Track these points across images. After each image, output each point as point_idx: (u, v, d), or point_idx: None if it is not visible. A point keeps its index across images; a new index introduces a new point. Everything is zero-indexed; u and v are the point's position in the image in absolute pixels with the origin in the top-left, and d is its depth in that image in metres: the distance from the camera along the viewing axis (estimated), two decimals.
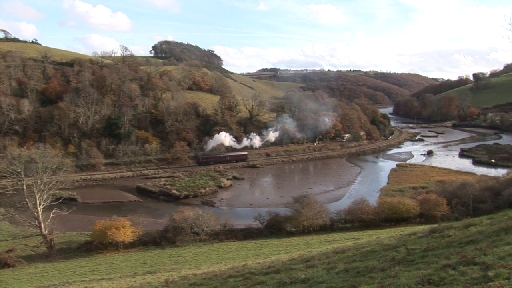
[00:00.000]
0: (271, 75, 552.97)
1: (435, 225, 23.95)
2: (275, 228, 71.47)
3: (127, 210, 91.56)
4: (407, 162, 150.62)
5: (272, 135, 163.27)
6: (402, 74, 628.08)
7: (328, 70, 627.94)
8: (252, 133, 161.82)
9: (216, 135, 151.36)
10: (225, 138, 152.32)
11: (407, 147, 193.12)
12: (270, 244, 58.79)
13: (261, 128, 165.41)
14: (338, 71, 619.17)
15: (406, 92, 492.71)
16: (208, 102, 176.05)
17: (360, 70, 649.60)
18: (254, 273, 20.07)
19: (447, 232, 20.28)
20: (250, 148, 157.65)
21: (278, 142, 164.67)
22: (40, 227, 65.05)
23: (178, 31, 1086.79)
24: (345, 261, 18.92)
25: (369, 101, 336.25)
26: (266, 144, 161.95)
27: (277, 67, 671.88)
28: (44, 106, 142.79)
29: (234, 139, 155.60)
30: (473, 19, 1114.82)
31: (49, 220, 66.09)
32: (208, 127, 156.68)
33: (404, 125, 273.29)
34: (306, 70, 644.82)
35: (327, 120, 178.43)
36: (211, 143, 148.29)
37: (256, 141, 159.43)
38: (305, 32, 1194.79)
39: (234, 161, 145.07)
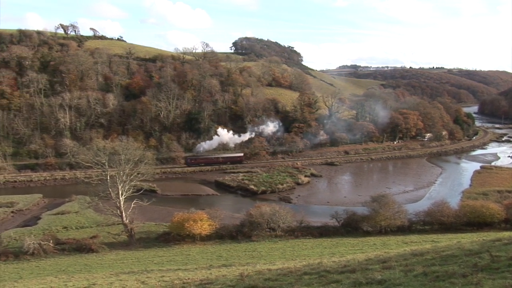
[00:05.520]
0: (351, 72, 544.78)
1: None
2: (351, 227, 70.66)
3: (205, 203, 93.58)
4: (492, 164, 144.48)
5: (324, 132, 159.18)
6: (488, 71, 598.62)
7: (410, 67, 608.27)
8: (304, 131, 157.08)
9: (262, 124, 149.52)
10: (267, 128, 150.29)
11: (492, 148, 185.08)
12: (346, 243, 58.18)
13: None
14: (420, 68, 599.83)
15: (493, 90, 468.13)
16: (288, 99, 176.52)
17: (443, 68, 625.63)
18: (329, 272, 19.87)
19: None
20: (311, 146, 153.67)
21: (357, 140, 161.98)
22: (121, 216, 67.96)
23: (256, 27, 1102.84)
24: (424, 264, 18.31)
25: (452, 99, 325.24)
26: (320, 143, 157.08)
27: (356, 64, 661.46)
28: (128, 101, 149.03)
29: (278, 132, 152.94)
30: None
31: (130, 210, 68.86)
32: (287, 123, 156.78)
33: (489, 125, 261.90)
34: (387, 67, 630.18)
35: (381, 112, 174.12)
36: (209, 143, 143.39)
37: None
38: (385, 28, 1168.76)
39: (228, 162, 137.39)
